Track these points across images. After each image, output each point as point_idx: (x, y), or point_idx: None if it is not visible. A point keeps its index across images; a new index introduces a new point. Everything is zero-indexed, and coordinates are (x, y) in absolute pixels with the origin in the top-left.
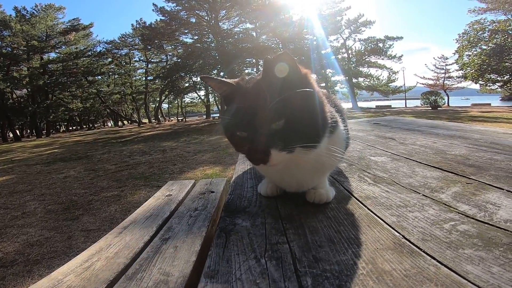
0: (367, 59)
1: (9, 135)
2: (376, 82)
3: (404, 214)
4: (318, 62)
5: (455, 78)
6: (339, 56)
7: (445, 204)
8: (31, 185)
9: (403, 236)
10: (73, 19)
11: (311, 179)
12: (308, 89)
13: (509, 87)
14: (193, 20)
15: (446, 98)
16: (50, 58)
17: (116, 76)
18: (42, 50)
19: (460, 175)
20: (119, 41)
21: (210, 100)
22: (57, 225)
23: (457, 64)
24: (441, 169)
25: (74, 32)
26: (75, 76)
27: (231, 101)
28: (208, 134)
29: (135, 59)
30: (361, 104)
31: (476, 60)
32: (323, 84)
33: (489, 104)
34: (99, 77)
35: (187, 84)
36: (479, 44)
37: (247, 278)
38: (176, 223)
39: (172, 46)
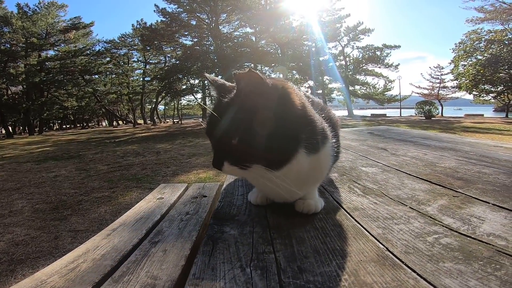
0: (364, 67)
1: (1, 132)
2: (372, 91)
3: (389, 227)
4: (316, 69)
5: (450, 88)
6: (337, 63)
7: (431, 217)
8: (20, 183)
9: (387, 248)
10: (74, 18)
11: (299, 190)
12: (269, 113)
13: (502, 98)
14: (194, 22)
15: (440, 108)
16: (48, 55)
17: (114, 75)
18: (41, 48)
19: (448, 188)
20: (118, 41)
21: (207, 103)
22: (44, 224)
23: (452, 74)
24: (429, 181)
25: (74, 30)
26: (72, 75)
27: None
28: (204, 137)
29: (133, 59)
30: (356, 112)
31: (471, 70)
32: (320, 91)
33: (482, 115)
34: (96, 76)
35: (184, 87)
36: (475, 54)
37: (231, 287)
38: (167, 226)
39: (171, 48)
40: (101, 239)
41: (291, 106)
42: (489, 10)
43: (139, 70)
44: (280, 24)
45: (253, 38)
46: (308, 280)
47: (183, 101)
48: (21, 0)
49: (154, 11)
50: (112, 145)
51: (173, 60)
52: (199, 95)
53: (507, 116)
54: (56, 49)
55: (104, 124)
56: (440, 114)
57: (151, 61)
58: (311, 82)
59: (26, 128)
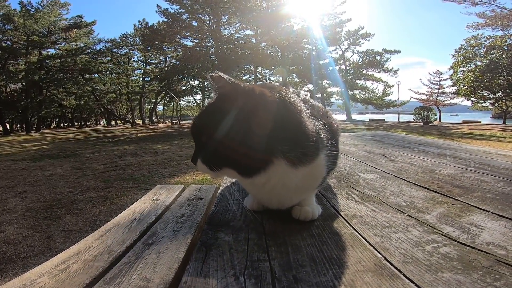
0: (364, 72)
1: None
2: (371, 95)
3: (388, 235)
4: (316, 72)
5: (448, 94)
6: (337, 67)
7: (429, 226)
8: (14, 181)
9: (384, 257)
10: (76, 16)
11: (290, 199)
12: (237, 118)
13: (500, 104)
14: (195, 23)
15: (438, 114)
16: (49, 53)
17: (113, 75)
18: (42, 46)
19: (447, 196)
20: (119, 41)
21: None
22: (37, 223)
23: (451, 79)
24: (428, 189)
25: (75, 29)
26: (71, 73)
27: None
28: None
29: (134, 59)
30: (355, 116)
31: (470, 76)
32: (319, 95)
33: (480, 122)
34: (96, 75)
35: (184, 87)
36: (474, 60)
37: None
38: (161, 228)
39: (172, 48)
40: (93, 239)
41: (267, 116)
42: (490, 16)
43: (139, 70)
44: (281, 27)
45: (254, 41)
46: None
47: (182, 102)
48: None
49: (156, 11)
50: (109, 145)
51: (174, 60)
52: (198, 96)
53: (504, 123)
54: (57, 47)
55: (102, 123)
56: (438, 120)
57: (151, 61)
58: (310, 86)
59: (24, 126)
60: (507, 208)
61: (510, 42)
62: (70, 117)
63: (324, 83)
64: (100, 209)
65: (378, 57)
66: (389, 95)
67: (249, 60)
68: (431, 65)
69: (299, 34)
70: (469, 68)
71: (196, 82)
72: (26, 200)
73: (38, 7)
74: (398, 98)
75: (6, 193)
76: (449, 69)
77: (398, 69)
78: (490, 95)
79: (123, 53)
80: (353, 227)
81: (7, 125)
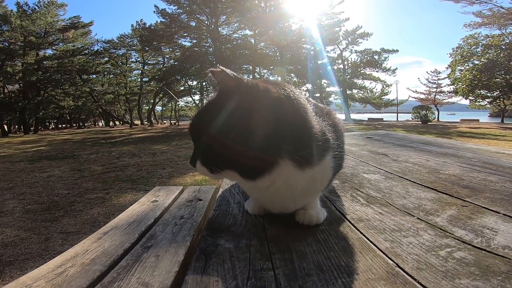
0: (362, 71)
1: None
2: (369, 95)
3: (398, 239)
4: (314, 72)
5: (446, 93)
6: (335, 67)
7: (441, 229)
8: (12, 182)
9: (396, 264)
10: (73, 17)
11: (294, 202)
12: (240, 116)
13: (498, 103)
14: (193, 23)
15: (436, 112)
16: (46, 54)
17: (111, 75)
18: (39, 47)
19: (455, 197)
20: (117, 41)
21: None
22: (34, 225)
23: (449, 78)
24: (435, 189)
25: (73, 29)
26: (69, 74)
27: None
28: None
29: (132, 59)
30: (353, 116)
31: (467, 75)
32: (318, 95)
33: (478, 120)
34: (94, 76)
35: (182, 88)
36: (472, 59)
37: None
38: (160, 230)
39: (170, 49)
40: (91, 242)
41: (272, 113)
42: (487, 15)
43: (137, 71)
44: (279, 27)
45: (252, 41)
46: None
47: (181, 103)
48: None
49: (154, 12)
50: (107, 146)
51: (172, 61)
52: (197, 97)
53: (502, 121)
54: (54, 48)
55: (100, 124)
56: (436, 119)
57: (149, 62)
58: (309, 85)
59: (22, 127)
60: None
61: (507, 41)
62: (68, 118)
63: (322, 83)
64: (98, 210)
65: (376, 57)
66: (387, 95)
67: (247, 60)
68: (429, 64)
69: (298, 34)
70: (467, 67)
71: (195, 83)
72: (24, 202)
73: (35, 8)
74: (397, 97)
75: (3, 195)
76: (447, 68)
77: (396, 68)
78: (488, 94)
79: (121, 53)
80: (360, 232)
81: (5, 127)
